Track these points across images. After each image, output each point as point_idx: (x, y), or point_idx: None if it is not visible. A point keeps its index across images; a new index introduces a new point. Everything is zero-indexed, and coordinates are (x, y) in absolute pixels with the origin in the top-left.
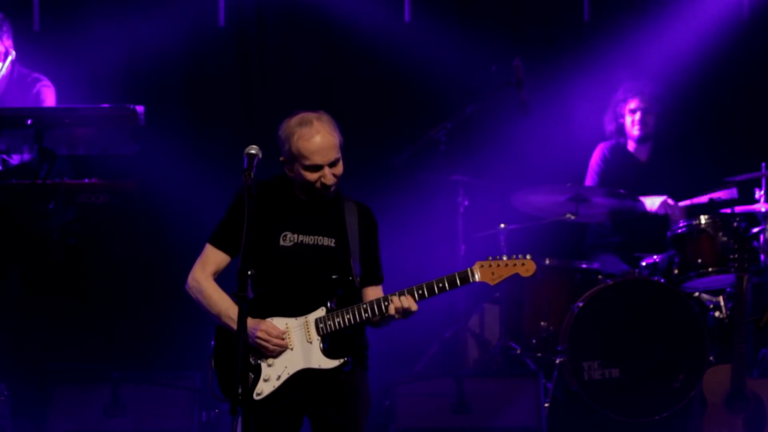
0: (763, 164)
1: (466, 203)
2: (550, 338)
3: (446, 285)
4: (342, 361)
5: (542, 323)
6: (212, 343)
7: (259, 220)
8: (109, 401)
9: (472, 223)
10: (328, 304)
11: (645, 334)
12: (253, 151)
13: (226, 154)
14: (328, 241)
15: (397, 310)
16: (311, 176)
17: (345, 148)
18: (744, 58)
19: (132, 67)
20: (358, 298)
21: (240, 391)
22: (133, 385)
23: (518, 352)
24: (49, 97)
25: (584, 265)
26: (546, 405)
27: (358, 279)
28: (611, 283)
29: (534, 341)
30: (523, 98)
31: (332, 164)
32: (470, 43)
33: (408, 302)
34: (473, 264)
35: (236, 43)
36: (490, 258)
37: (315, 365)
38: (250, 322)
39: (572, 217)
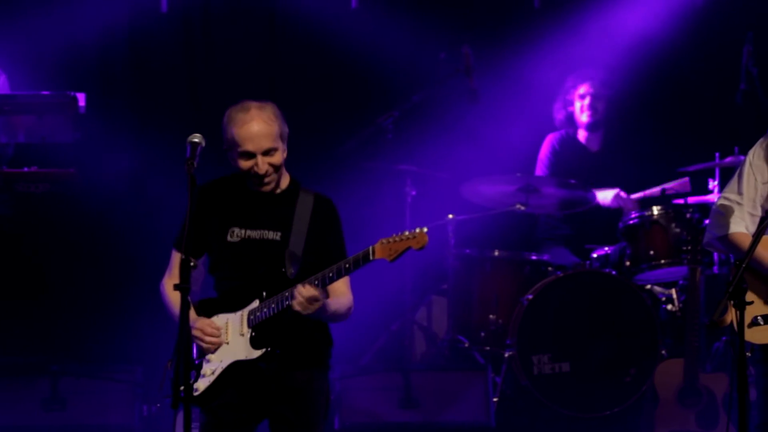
0: (717, 154)
1: (414, 193)
2: (499, 331)
3: (351, 265)
4: (264, 351)
5: (491, 316)
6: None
7: (212, 217)
8: (48, 395)
9: (419, 213)
10: (263, 295)
11: (596, 327)
12: (195, 140)
13: (169, 142)
14: (273, 235)
15: (299, 302)
16: (244, 164)
17: (290, 136)
18: (697, 45)
19: (73, 53)
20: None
21: (182, 386)
22: (73, 379)
23: (466, 345)
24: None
25: (534, 257)
26: (494, 400)
27: (292, 272)
28: (561, 275)
29: (482, 334)
30: (473, 86)
31: (266, 153)
32: (419, 29)
33: (309, 291)
34: (377, 241)
35: (180, 29)
36: (394, 235)
37: (242, 356)
38: (193, 319)
39: (522, 208)
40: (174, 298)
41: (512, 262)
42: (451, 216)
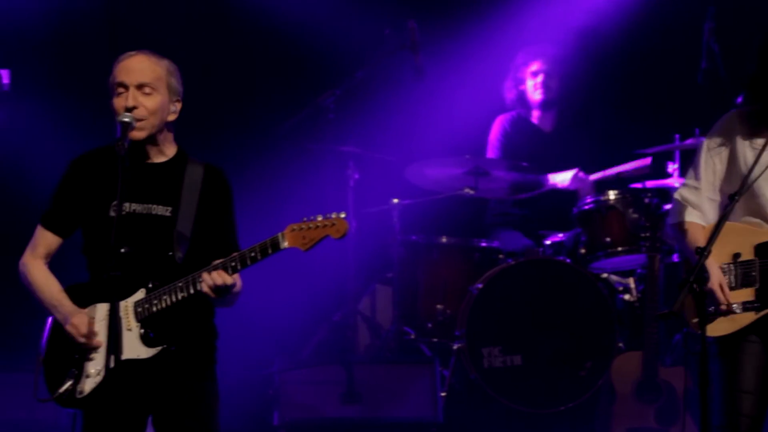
0: (677, 136)
1: (357, 176)
2: (447, 322)
3: (258, 254)
4: (160, 348)
5: (438, 306)
6: (44, 335)
7: (90, 190)
8: None
9: (363, 197)
10: (149, 285)
11: (549, 318)
12: (126, 120)
13: (99, 123)
14: (162, 210)
15: (210, 287)
16: (117, 104)
17: (228, 116)
18: (656, 22)
19: None
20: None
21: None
22: None
23: (413, 337)
24: None
25: (484, 244)
26: (442, 394)
27: (180, 256)
28: (513, 263)
29: (429, 325)
30: (418, 63)
31: (140, 87)
32: (362, 3)
33: (221, 278)
34: (285, 227)
35: (107, 1)
36: (305, 219)
37: (133, 355)
38: (69, 311)
39: (471, 192)
40: (40, 278)
41: (461, 249)
42: (396, 200)
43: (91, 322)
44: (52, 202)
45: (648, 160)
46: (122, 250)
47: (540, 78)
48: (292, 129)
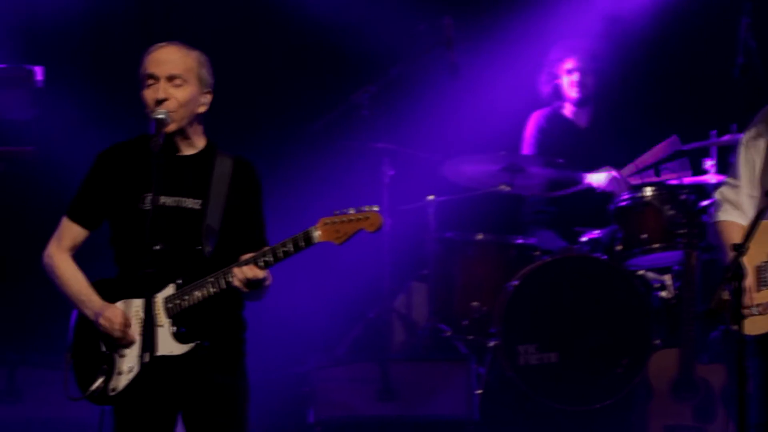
0: (714, 132)
1: (392, 173)
2: (483, 320)
3: (291, 248)
4: (193, 345)
5: (474, 303)
6: (70, 332)
7: (118, 182)
8: (4, 386)
9: (398, 194)
10: (178, 280)
11: (585, 315)
12: (161, 116)
13: (131, 119)
14: (192, 203)
15: (241, 281)
16: (147, 95)
17: (260, 113)
18: (692, 17)
19: (29, 24)
20: (216, 270)
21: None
22: (31, 369)
23: (448, 334)
24: None
25: (520, 241)
26: (478, 392)
27: (209, 250)
28: (549, 260)
29: (465, 323)
30: (454, 60)
31: (171, 79)
32: (398, 0)
33: (252, 272)
34: (317, 221)
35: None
36: (337, 213)
37: (166, 351)
38: (99, 306)
39: (507, 189)
40: (67, 271)
41: (497, 246)
42: (431, 197)
43: (123, 316)
44: (80, 194)
45: (673, 138)
46: (156, 248)
47: (575, 76)
48: (327, 126)
